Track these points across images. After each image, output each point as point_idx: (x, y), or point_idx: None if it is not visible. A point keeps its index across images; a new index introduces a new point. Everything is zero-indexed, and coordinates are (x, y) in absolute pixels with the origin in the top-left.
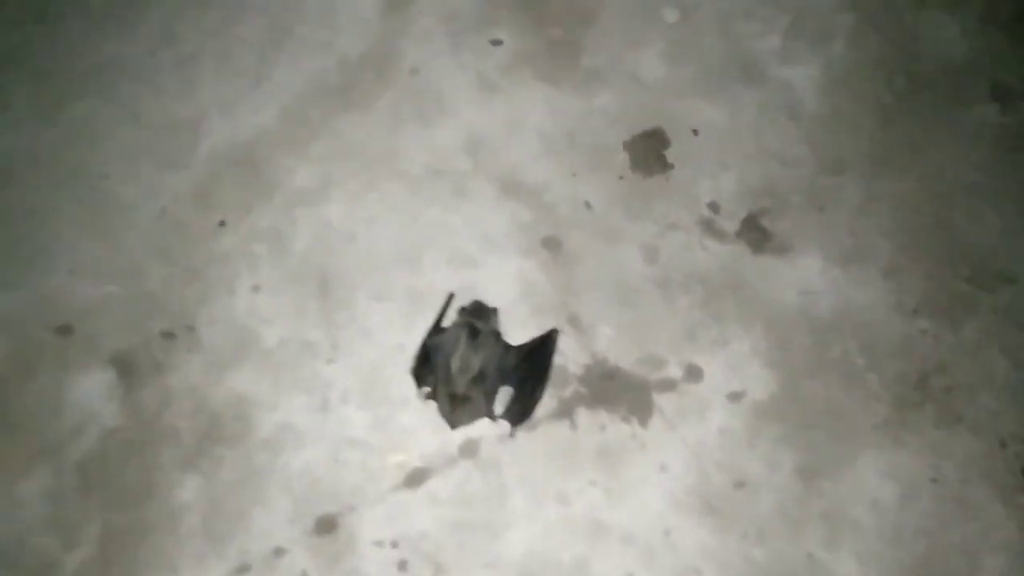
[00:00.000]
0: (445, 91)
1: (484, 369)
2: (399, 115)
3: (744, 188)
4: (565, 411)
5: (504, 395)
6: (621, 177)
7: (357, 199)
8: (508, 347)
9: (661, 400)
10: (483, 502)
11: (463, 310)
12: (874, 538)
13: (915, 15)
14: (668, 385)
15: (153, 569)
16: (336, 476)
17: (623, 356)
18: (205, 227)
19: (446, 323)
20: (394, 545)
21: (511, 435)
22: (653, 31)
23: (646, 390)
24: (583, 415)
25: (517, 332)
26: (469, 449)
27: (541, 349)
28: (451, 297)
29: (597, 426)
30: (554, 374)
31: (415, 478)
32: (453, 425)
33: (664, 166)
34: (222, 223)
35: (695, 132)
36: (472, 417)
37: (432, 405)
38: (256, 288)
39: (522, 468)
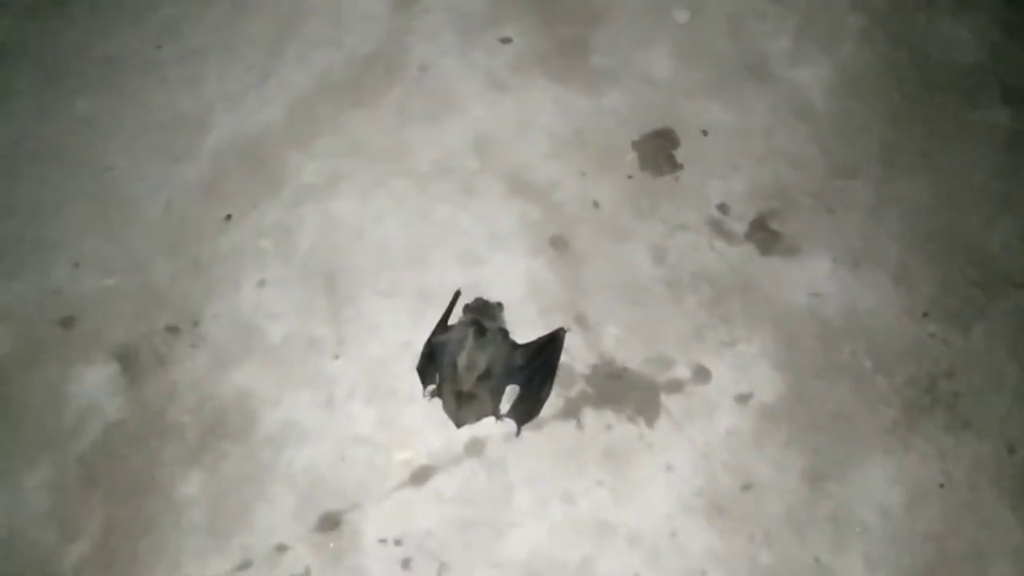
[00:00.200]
0: (454, 89)
1: (491, 367)
2: (407, 112)
3: (754, 189)
4: (572, 411)
5: (511, 393)
6: (630, 177)
7: (365, 195)
8: (515, 345)
9: (668, 401)
10: (488, 501)
11: (468, 307)
12: (882, 542)
13: (926, 18)
14: (676, 386)
15: (154, 564)
16: (340, 473)
17: (630, 356)
18: (211, 221)
19: (452, 320)
20: (398, 543)
21: (517, 434)
22: (663, 31)
23: (653, 390)
24: (590, 415)
25: (524, 330)
26: (475, 448)
27: (548, 347)
28: (457, 294)
29: (604, 426)
30: (561, 373)
31: (420, 476)
32: (459, 423)
33: (673, 166)
34: (228, 217)
35: (705, 132)
36: (478, 415)
37: (437, 403)
38: (262, 283)
39: (528, 467)
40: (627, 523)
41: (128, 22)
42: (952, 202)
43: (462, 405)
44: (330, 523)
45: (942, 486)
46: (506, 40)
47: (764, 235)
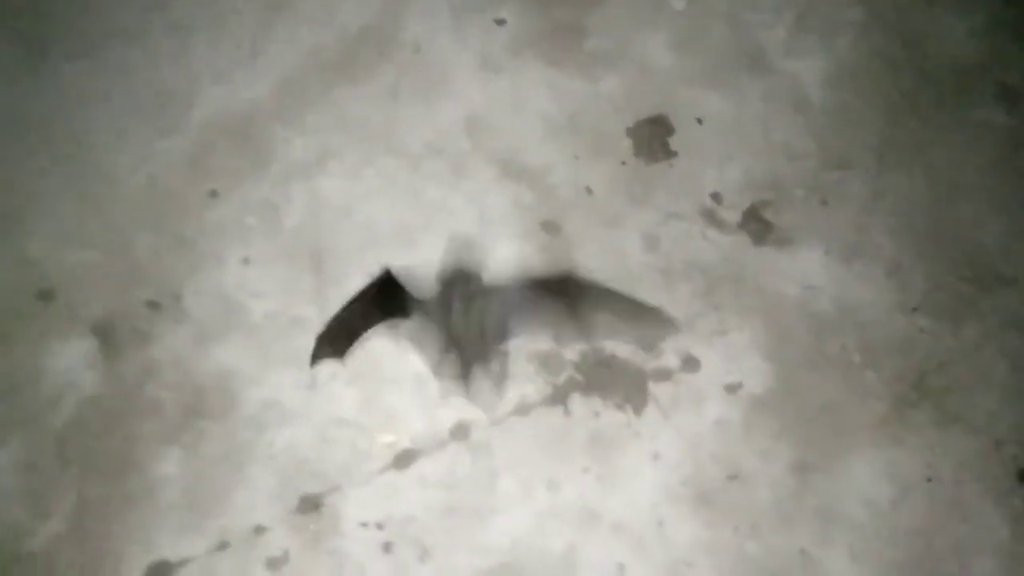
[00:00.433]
0: (447, 69)
1: (485, 329)
2: (399, 91)
3: (747, 179)
4: (559, 397)
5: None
6: (624, 163)
7: (354, 174)
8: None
9: (657, 389)
10: (472, 486)
11: (444, 279)
12: (868, 536)
13: (924, 13)
14: (664, 374)
15: (129, 543)
16: (322, 455)
17: (620, 343)
18: (195, 196)
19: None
20: (379, 527)
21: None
22: (660, 17)
23: (642, 378)
24: (577, 401)
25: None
26: (460, 432)
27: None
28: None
29: (591, 413)
30: (549, 359)
31: (404, 460)
32: (470, 396)
33: (668, 153)
34: (213, 193)
35: (700, 121)
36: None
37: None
38: (246, 260)
39: (513, 453)
40: (612, 511)
41: None
42: (946, 198)
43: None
44: (310, 505)
45: (929, 481)
46: (501, 21)
47: (757, 225)
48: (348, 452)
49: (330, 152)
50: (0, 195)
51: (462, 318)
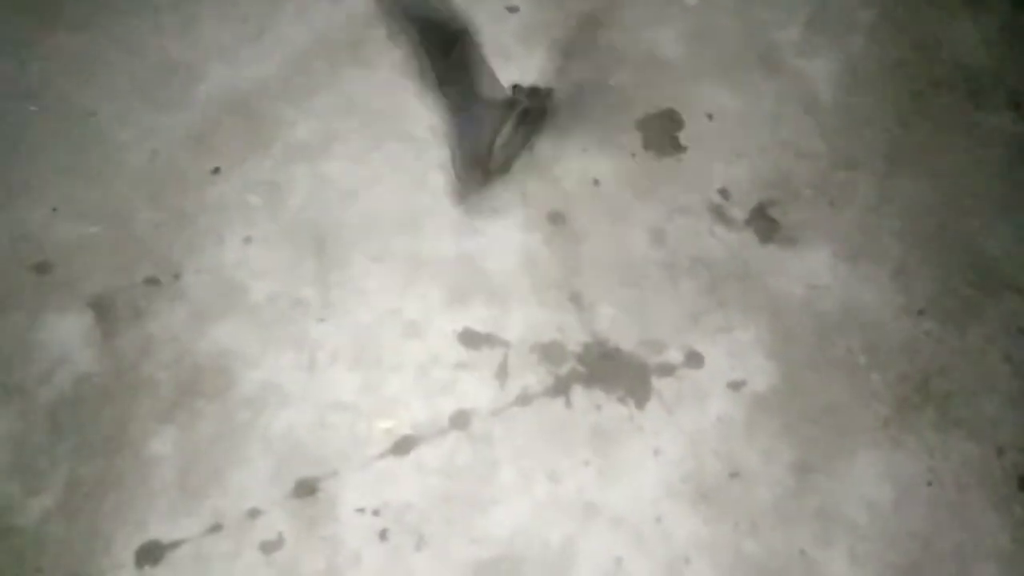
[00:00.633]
0: None
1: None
2: (407, 75)
3: (756, 176)
4: (561, 388)
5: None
6: (633, 155)
7: (359, 157)
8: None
9: (660, 384)
10: (472, 475)
11: (517, 88)
12: (867, 538)
13: (936, 17)
14: (668, 369)
15: (120, 522)
16: (320, 439)
17: (624, 337)
18: (198, 173)
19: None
20: (376, 513)
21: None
22: (673, 12)
23: (645, 373)
24: (579, 394)
25: (517, 304)
26: (460, 420)
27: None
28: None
29: (593, 406)
30: (552, 350)
31: (403, 446)
32: (465, 188)
33: (676, 148)
34: (216, 170)
35: (710, 116)
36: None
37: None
38: (248, 240)
39: (514, 443)
40: (612, 505)
41: None
42: (953, 202)
43: (476, 176)
44: (306, 489)
45: (930, 484)
46: (513, 9)
47: (764, 223)
48: (346, 436)
49: (335, 134)
50: (0, 166)
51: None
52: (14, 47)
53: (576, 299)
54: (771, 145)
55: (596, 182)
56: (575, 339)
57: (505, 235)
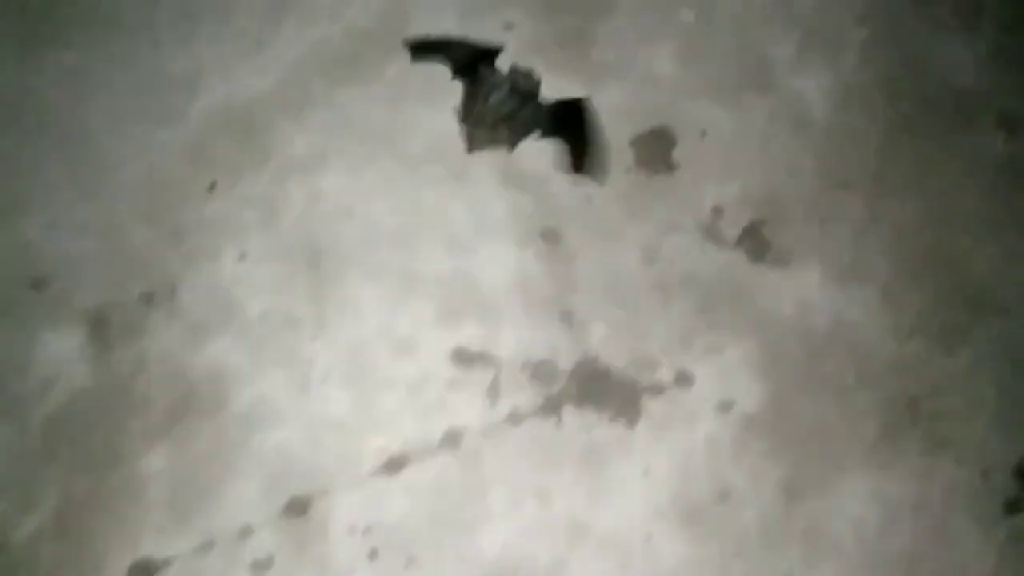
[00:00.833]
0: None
1: (514, 113)
2: (404, 92)
3: (748, 195)
4: (552, 408)
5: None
6: (626, 172)
7: (355, 174)
8: (540, 105)
9: (650, 404)
10: (462, 495)
11: (514, 70)
12: (854, 561)
13: (928, 37)
14: (658, 389)
15: (112, 538)
16: (312, 457)
17: (615, 356)
18: (194, 189)
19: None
20: (366, 532)
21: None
22: (668, 29)
23: (636, 392)
24: (570, 413)
25: (509, 324)
26: (451, 439)
27: (574, 109)
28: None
29: (583, 425)
30: (543, 369)
31: (393, 465)
32: (471, 147)
33: (669, 166)
34: (212, 186)
35: (703, 134)
36: (490, 145)
37: (416, 393)
38: (243, 256)
39: (504, 463)
40: (601, 525)
41: None
42: (943, 222)
43: (479, 133)
44: (298, 508)
45: (916, 507)
46: (508, 25)
47: (755, 242)
48: (338, 454)
49: (331, 150)
50: None
51: (504, 95)
52: (13, 60)
53: (567, 317)
54: (763, 163)
55: (589, 199)
56: (566, 358)
57: (498, 252)
